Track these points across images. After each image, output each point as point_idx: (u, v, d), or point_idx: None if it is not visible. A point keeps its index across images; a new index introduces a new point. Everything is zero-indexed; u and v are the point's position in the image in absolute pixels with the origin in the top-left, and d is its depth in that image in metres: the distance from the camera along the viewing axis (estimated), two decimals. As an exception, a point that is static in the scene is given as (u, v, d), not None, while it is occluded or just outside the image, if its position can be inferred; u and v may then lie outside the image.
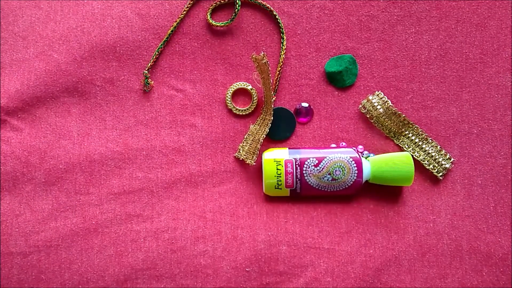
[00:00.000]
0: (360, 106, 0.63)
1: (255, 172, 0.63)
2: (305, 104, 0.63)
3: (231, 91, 0.62)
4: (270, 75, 0.60)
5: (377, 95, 0.62)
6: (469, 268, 0.61)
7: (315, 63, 0.63)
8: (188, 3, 0.63)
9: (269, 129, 0.62)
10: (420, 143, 0.62)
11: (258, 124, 0.62)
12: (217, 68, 0.63)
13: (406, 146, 0.62)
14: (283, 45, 0.63)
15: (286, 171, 0.60)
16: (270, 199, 0.62)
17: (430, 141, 0.62)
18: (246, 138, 0.62)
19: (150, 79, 0.62)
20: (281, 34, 0.63)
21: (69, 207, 0.61)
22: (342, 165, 0.59)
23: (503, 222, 0.61)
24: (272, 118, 0.61)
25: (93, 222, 0.60)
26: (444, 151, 0.62)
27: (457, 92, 0.63)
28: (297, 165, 0.60)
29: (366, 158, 0.61)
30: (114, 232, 0.60)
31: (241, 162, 0.62)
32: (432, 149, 0.62)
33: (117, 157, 0.61)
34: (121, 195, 0.61)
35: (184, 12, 0.62)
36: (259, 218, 0.61)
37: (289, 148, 0.61)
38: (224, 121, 0.63)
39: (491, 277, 0.60)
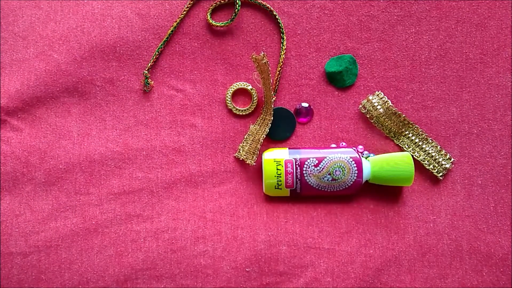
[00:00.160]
0: (360, 106, 0.63)
1: (255, 172, 0.63)
2: (305, 104, 0.63)
3: (231, 91, 0.62)
4: (270, 75, 0.60)
5: (377, 95, 0.62)
6: (469, 268, 0.61)
7: (315, 63, 0.63)
8: (188, 3, 0.63)
9: (269, 129, 0.62)
10: (420, 143, 0.62)
11: (258, 124, 0.62)
12: (217, 68, 0.63)
13: (406, 146, 0.62)
14: (283, 45, 0.63)
15: (286, 171, 0.60)
16: (270, 199, 0.62)
17: (430, 141, 0.62)
18: (246, 138, 0.62)
19: (150, 79, 0.62)
20: (281, 34, 0.63)
21: (69, 207, 0.61)
22: (342, 165, 0.59)
23: (503, 222, 0.61)
24: (272, 118, 0.61)
25: (93, 222, 0.60)
26: (444, 151, 0.62)
27: (457, 92, 0.63)
28: (297, 165, 0.60)
29: (366, 158, 0.61)
30: (114, 232, 0.60)
31: (241, 162, 0.62)
32: (432, 149, 0.62)
33: (117, 157, 0.61)
34: (121, 195, 0.61)
35: (184, 12, 0.62)
36: (259, 218, 0.61)
37: (289, 148, 0.61)
38: (224, 121, 0.63)
39: (491, 277, 0.60)
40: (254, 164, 0.61)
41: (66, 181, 0.61)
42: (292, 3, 0.63)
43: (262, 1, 0.63)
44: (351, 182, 0.60)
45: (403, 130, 0.62)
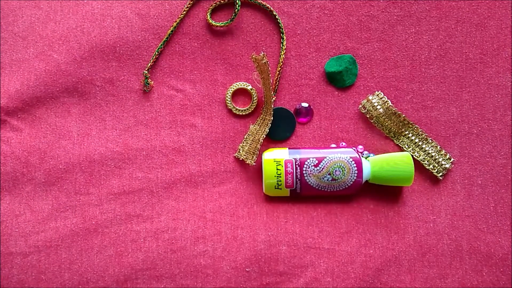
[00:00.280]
0: (360, 106, 0.63)
1: (255, 172, 0.63)
2: (305, 104, 0.63)
3: (231, 91, 0.62)
4: (270, 75, 0.60)
5: (377, 95, 0.62)
6: (469, 268, 0.61)
7: (315, 63, 0.63)
8: (188, 3, 0.63)
9: (269, 129, 0.62)
10: (420, 143, 0.62)
11: (258, 124, 0.62)
12: (217, 68, 0.63)
13: (406, 146, 0.62)
14: (283, 45, 0.63)
15: (286, 171, 0.60)
16: (270, 199, 0.62)
17: (430, 141, 0.62)
18: (246, 138, 0.62)
19: (150, 79, 0.62)
20: (281, 34, 0.63)
21: (69, 207, 0.61)
22: (342, 165, 0.59)
23: (503, 222, 0.61)
24: (272, 118, 0.61)
25: (93, 222, 0.60)
26: (444, 151, 0.62)
27: (457, 92, 0.63)
28: (297, 165, 0.60)
29: (366, 158, 0.61)
30: (114, 232, 0.60)
31: (241, 162, 0.62)
32: (432, 149, 0.62)
33: (117, 157, 0.61)
34: (121, 195, 0.61)
35: (184, 12, 0.62)
36: (259, 218, 0.61)
37: (289, 148, 0.61)
38: (224, 121, 0.63)
39: (491, 277, 0.60)
40: (254, 164, 0.61)
41: (66, 181, 0.61)
42: (292, 3, 0.63)
43: (262, 1, 0.63)
44: (351, 182, 0.60)
45: (403, 130, 0.62)
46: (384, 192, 0.62)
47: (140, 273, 0.59)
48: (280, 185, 0.60)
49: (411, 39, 0.63)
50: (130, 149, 0.62)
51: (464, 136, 0.62)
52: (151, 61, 0.62)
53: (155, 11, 0.63)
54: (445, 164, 0.62)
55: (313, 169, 0.60)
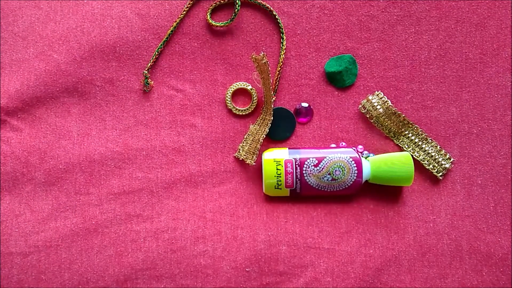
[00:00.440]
0: (360, 106, 0.63)
1: (255, 172, 0.63)
2: (305, 104, 0.63)
3: (231, 91, 0.62)
4: (270, 75, 0.60)
5: (377, 95, 0.62)
6: (469, 268, 0.61)
7: (315, 63, 0.63)
8: (188, 3, 0.63)
9: (269, 129, 0.62)
10: (420, 143, 0.62)
11: (258, 124, 0.62)
12: (217, 68, 0.63)
13: (406, 146, 0.62)
14: (283, 45, 0.63)
15: (286, 171, 0.60)
16: (270, 199, 0.62)
17: (430, 141, 0.62)
18: (246, 138, 0.62)
19: (150, 79, 0.62)
20: (281, 34, 0.63)
21: (69, 207, 0.61)
22: (342, 165, 0.59)
23: (503, 222, 0.61)
24: (272, 118, 0.61)
25: (93, 222, 0.60)
26: (444, 151, 0.62)
27: (457, 92, 0.63)
28: (297, 165, 0.60)
29: (366, 158, 0.61)
30: (114, 232, 0.60)
31: (241, 162, 0.62)
32: (432, 149, 0.62)
33: (117, 157, 0.61)
34: (121, 195, 0.61)
35: (184, 12, 0.62)
36: (259, 218, 0.61)
37: (289, 148, 0.61)
38: (224, 121, 0.63)
39: (491, 277, 0.60)
40: (254, 164, 0.61)
41: (66, 181, 0.61)
42: (292, 3, 0.63)
43: (262, 1, 0.63)
44: (351, 182, 0.60)
45: (402, 130, 0.62)
46: (384, 192, 0.62)
47: (140, 273, 0.59)
48: (280, 185, 0.60)
49: (411, 39, 0.63)
50: (130, 149, 0.62)
51: (464, 136, 0.62)
52: (151, 61, 0.62)
53: (155, 11, 0.63)
54: (445, 164, 0.62)
55: (313, 169, 0.60)
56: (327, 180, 0.60)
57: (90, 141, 0.62)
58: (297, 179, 0.60)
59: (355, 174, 0.60)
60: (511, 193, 0.62)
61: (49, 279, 0.59)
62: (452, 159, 0.62)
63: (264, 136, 0.61)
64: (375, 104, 0.62)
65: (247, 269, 0.60)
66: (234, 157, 0.62)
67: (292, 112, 0.63)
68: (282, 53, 0.62)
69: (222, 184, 0.62)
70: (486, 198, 0.62)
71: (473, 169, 0.62)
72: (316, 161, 0.60)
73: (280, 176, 0.60)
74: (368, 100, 0.62)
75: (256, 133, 0.62)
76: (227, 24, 0.62)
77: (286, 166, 0.60)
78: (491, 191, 0.62)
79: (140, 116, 0.62)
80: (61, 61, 0.61)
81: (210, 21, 0.62)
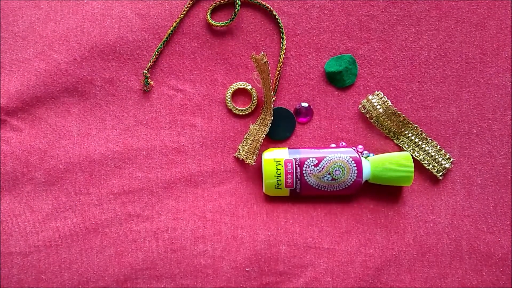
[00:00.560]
0: (360, 106, 0.63)
1: (255, 172, 0.63)
2: (305, 104, 0.63)
3: (231, 91, 0.62)
4: (270, 75, 0.60)
5: (377, 95, 0.62)
6: (469, 268, 0.61)
7: (315, 63, 0.63)
8: (188, 3, 0.63)
9: (269, 129, 0.62)
10: (420, 143, 0.62)
11: (258, 124, 0.62)
12: (217, 68, 0.63)
13: (406, 146, 0.62)
14: (283, 45, 0.63)
15: (286, 171, 0.60)
16: (270, 199, 0.62)
17: (430, 141, 0.62)
18: (246, 138, 0.62)
19: (150, 79, 0.62)
20: (281, 34, 0.63)
21: (69, 207, 0.61)
22: (342, 165, 0.59)
23: (503, 222, 0.61)
24: (272, 118, 0.61)
25: (93, 222, 0.60)
26: (444, 151, 0.62)
27: (457, 92, 0.63)
28: (297, 165, 0.60)
29: (366, 158, 0.61)
30: (114, 232, 0.60)
31: (241, 162, 0.62)
32: (432, 149, 0.62)
33: (117, 157, 0.61)
34: (121, 195, 0.61)
35: (184, 12, 0.63)
36: (259, 218, 0.61)
37: (289, 148, 0.61)
38: (224, 121, 0.63)
39: (491, 277, 0.60)
40: (254, 164, 0.61)
41: (66, 181, 0.61)
42: (292, 3, 0.63)
43: (262, 1, 0.63)
44: (351, 182, 0.60)
45: (402, 130, 0.62)
46: (384, 192, 0.62)
47: (140, 273, 0.59)
48: (280, 185, 0.60)
49: (411, 39, 0.63)
50: (130, 149, 0.62)
51: (464, 136, 0.62)
52: (151, 61, 0.62)
53: (155, 11, 0.63)
54: (445, 164, 0.62)
55: (313, 169, 0.60)
56: (327, 180, 0.60)
57: (90, 141, 0.62)
58: (297, 179, 0.60)
59: (355, 174, 0.60)
60: (511, 193, 0.62)
61: (49, 279, 0.59)
62: (452, 159, 0.62)
63: (264, 136, 0.61)
64: (375, 104, 0.62)
65: (247, 269, 0.60)
66: (234, 157, 0.62)
67: (292, 112, 0.63)
68: (282, 53, 0.62)
69: (222, 184, 0.62)
70: (486, 198, 0.62)
71: (473, 169, 0.62)
72: (316, 161, 0.60)
73: (280, 176, 0.60)
74: (368, 100, 0.62)
75: (256, 133, 0.62)
76: (227, 24, 0.62)
77: (286, 166, 0.60)
78: (491, 191, 0.62)
79: (140, 116, 0.62)
80: (61, 61, 0.61)
81: (210, 21, 0.62)
